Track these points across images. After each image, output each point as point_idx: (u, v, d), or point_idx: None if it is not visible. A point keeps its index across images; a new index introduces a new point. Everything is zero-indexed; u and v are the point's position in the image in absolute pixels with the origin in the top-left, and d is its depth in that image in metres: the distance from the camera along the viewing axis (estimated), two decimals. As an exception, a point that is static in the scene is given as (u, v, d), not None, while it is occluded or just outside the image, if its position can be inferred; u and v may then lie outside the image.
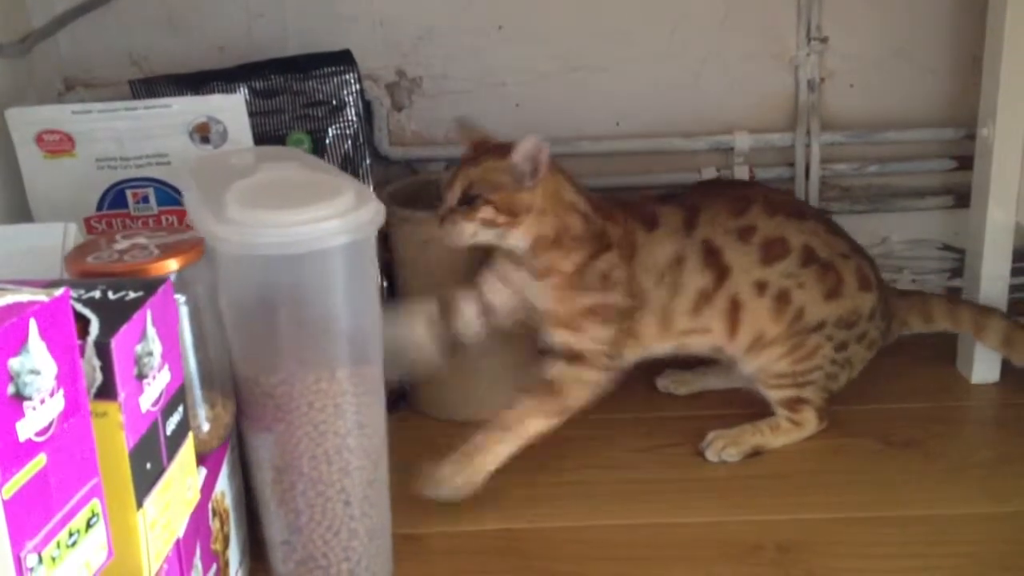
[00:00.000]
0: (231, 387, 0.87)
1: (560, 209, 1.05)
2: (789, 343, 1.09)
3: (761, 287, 1.08)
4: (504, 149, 1.02)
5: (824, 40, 1.29)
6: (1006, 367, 1.21)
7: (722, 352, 1.12)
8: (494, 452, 1.02)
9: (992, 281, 1.19)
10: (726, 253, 1.07)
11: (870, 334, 1.12)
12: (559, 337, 1.05)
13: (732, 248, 1.07)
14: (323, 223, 0.79)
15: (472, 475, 1.01)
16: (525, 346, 1.11)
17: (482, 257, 1.10)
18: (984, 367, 1.22)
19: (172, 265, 0.78)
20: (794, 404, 1.11)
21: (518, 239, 1.04)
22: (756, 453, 1.10)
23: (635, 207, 1.10)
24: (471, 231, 1.03)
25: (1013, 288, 1.21)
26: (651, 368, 1.24)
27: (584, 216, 1.06)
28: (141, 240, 0.82)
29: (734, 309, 1.08)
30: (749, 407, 1.14)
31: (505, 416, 1.03)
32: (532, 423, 1.03)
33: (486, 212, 1.02)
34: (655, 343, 1.10)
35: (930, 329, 1.18)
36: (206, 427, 0.83)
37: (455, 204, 1.03)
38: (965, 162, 1.28)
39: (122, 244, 0.81)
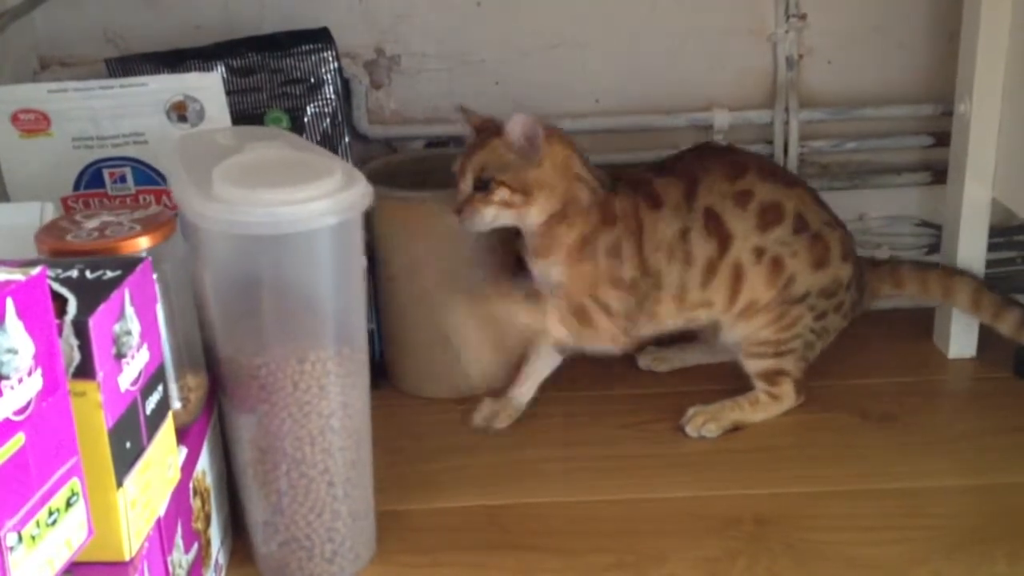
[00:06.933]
0: (203, 364, 0.87)
1: (568, 181, 1.05)
2: (776, 311, 1.09)
3: (759, 253, 1.08)
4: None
5: (802, 17, 1.29)
6: (983, 342, 1.22)
7: (716, 322, 1.12)
8: (513, 311, 1.07)
9: (969, 257, 1.20)
10: (726, 219, 1.07)
11: (845, 304, 1.13)
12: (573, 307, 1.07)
13: (731, 213, 1.07)
14: (312, 203, 0.78)
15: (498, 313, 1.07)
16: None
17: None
18: (961, 342, 1.23)
19: (144, 243, 0.78)
20: (773, 376, 1.12)
21: (534, 216, 1.04)
22: (735, 428, 1.11)
23: (638, 183, 1.09)
24: (491, 215, 1.03)
25: (989, 264, 1.22)
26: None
27: (591, 189, 1.06)
28: (109, 218, 0.81)
29: (736, 277, 1.08)
30: (729, 383, 1.14)
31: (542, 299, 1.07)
32: (552, 321, 1.07)
33: (501, 193, 1.02)
34: (670, 319, 1.10)
35: (901, 293, 1.19)
36: (177, 405, 0.83)
37: (470, 191, 1.03)
38: (942, 138, 1.28)
39: (91, 223, 0.80)
